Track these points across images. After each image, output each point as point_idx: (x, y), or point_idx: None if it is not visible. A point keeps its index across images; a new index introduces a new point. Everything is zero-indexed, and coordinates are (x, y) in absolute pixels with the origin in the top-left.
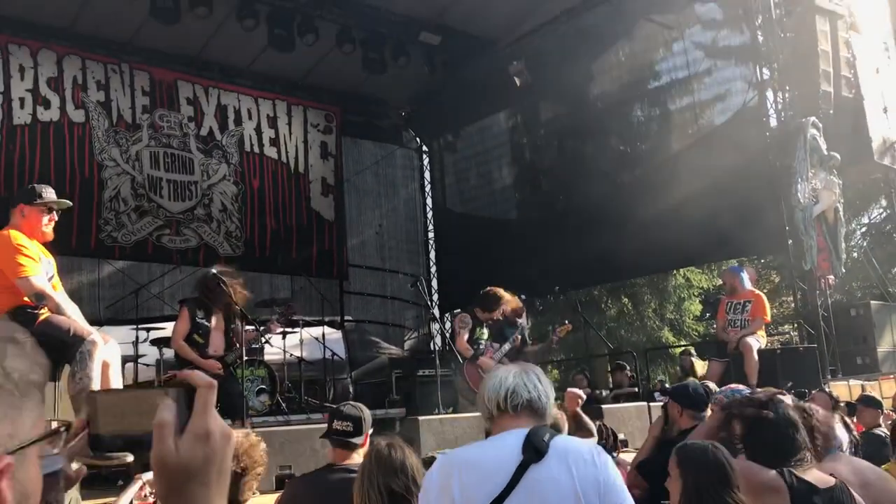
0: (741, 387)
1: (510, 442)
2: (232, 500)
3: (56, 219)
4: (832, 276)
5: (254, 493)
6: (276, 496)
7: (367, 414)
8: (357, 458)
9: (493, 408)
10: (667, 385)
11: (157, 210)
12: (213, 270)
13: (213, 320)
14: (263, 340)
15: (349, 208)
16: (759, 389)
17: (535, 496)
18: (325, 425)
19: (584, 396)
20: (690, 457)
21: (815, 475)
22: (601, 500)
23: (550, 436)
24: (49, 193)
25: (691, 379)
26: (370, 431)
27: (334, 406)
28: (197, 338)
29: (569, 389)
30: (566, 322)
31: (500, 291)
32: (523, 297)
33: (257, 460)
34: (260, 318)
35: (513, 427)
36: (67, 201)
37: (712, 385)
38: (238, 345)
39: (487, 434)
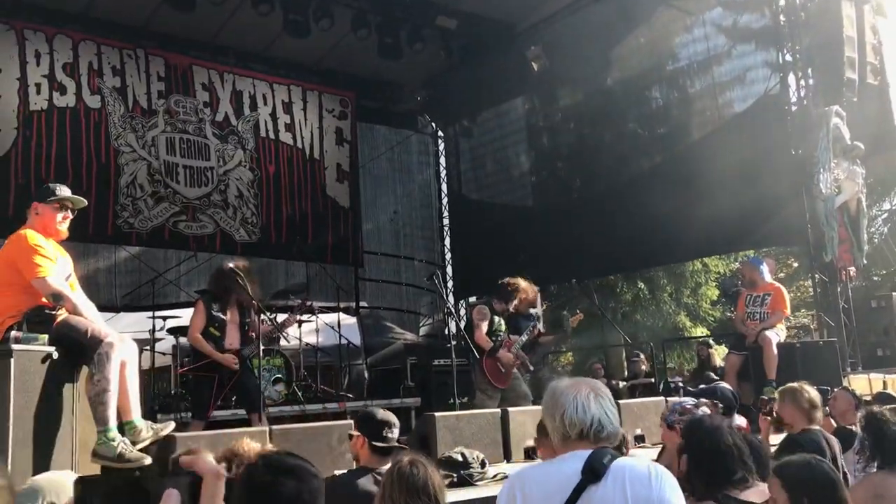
0: (687, 399)
1: (575, 464)
2: None
3: (70, 216)
4: (853, 268)
5: None
6: None
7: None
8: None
9: (573, 433)
10: (681, 384)
11: (173, 196)
12: (230, 265)
13: (229, 314)
14: (280, 336)
15: (364, 194)
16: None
17: None
18: (338, 415)
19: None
20: (798, 476)
21: (756, 492)
22: None
23: (612, 458)
24: (63, 191)
25: (720, 383)
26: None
27: (372, 413)
28: (213, 331)
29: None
30: (577, 311)
31: (518, 282)
32: (537, 287)
33: None
34: (275, 314)
35: (583, 448)
36: (82, 199)
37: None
38: (255, 337)
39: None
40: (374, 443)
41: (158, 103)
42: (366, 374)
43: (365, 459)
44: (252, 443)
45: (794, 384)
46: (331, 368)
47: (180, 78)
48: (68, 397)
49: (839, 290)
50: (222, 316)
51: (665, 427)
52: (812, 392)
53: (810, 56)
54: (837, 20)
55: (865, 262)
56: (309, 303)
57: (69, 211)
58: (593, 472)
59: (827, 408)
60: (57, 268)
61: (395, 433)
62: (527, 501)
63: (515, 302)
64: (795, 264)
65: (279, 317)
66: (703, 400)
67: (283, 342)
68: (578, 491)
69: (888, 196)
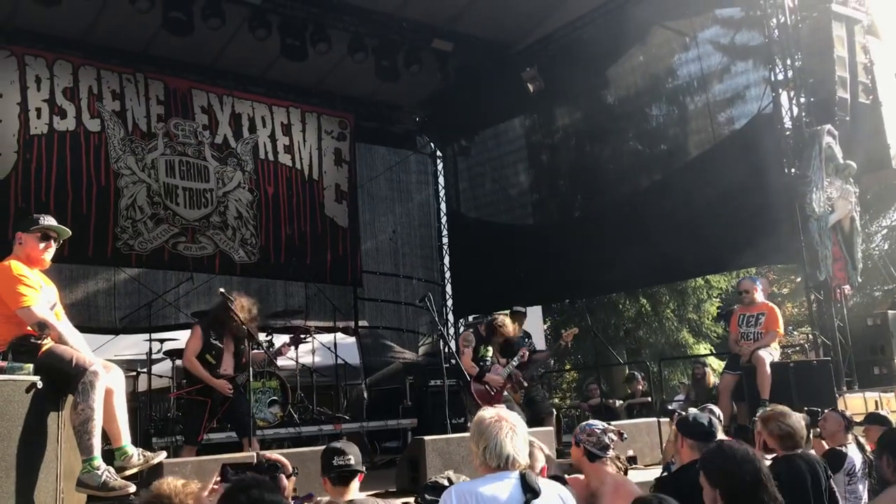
0: (595, 423)
1: (510, 482)
2: None
3: (54, 246)
4: (848, 286)
5: None
6: None
7: (357, 450)
8: (353, 489)
9: (492, 464)
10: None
11: (172, 218)
12: (222, 290)
13: (225, 341)
14: (275, 361)
15: (363, 214)
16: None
17: None
18: (334, 437)
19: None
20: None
21: None
22: None
23: (535, 477)
24: (47, 220)
25: (702, 410)
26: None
27: (324, 450)
28: (209, 358)
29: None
30: (572, 326)
31: (504, 328)
32: (521, 308)
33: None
34: (271, 337)
35: (502, 472)
36: (66, 229)
37: (717, 410)
38: (246, 362)
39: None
40: (326, 475)
41: (158, 126)
42: (365, 395)
43: (330, 494)
44: (175, 480)
45: (772, 410)
46: (329, 388)
47: (180, 101)
48: (53, 426)
49: (834, 308)
50: (219, 344)
51: (574, 444)
52: (790, 419)
53: (802, 75)
54: (828, 40)
55: (860, 280)
56: (305, 327)
57: (52, 241)
58: (533, 492)
59: (818, 429)
60: (42, 297)
61: (347, 458)
62: None
63: (498, 339)
64: (798, 279)
65: (276, 339)
66: (611, 426)
67: (280, 362)
68: None
69: (887, 212)
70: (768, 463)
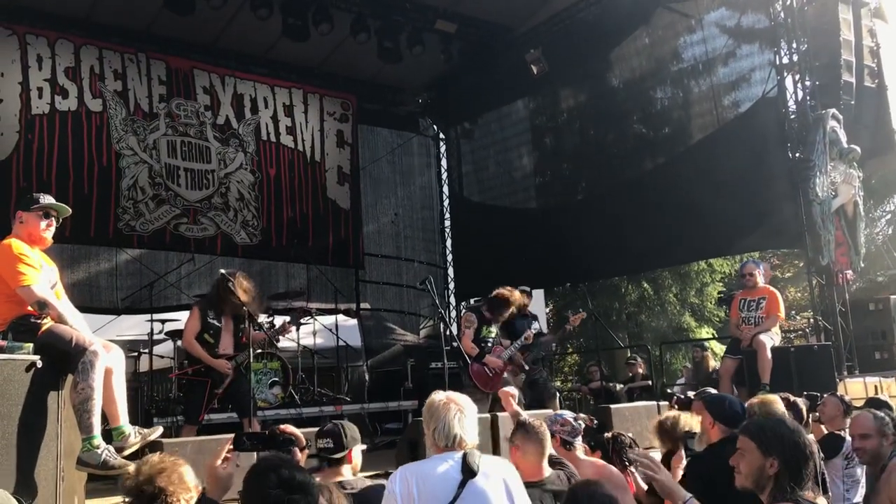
0: (567, 413)
1: (451, 463)
2: None
3: (55, 224)
4: (850, 271)
5: None
6: None
7: (350, 429)
8: (345, 472)
9: (441, 444)
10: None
11: (174, 199)
12: (223, 271)
13: (224, 320)
14: (276, 341)
15: (365, 197)
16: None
17: (480, 500)
18: (335, 418)
19: (516, 393)
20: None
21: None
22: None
23: (479, 458)
24: (47, 199)
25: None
26: (358, 447)
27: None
28: (208, 338)
29: (501, 390)
30: (580, 310)
31: (511, 296)
32: (526, 288)
33: (176, 483)
34: (272, 317)
35: (450, 451)
36: (66, 207)
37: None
38: (246, 344)
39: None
40: (314, 457)
41: (160, 107)
42: (366, 377)
43: (320, 476)
44: (155, 457)
45: (759, 398)
46: (331, 370)
47: (182, 81)
48: (53, 405)
49: (836, 293)
50: (217, 323)
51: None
52: (771, 406)
53: (808, 59)
54: (834, 23)
55: (863, 264)
56: (307, 308)
57: (53, 219)
58: (471, 472)
59: (817, 413)
60: (42, 276)
61: (327, 441)
62: (421, 493)
63: (506, 314)
64: (801, 264)
65: (277, 319)
66: (582, 415)
67: (282, 344)
68: (462, 486)
69: (891, 197)
70: None
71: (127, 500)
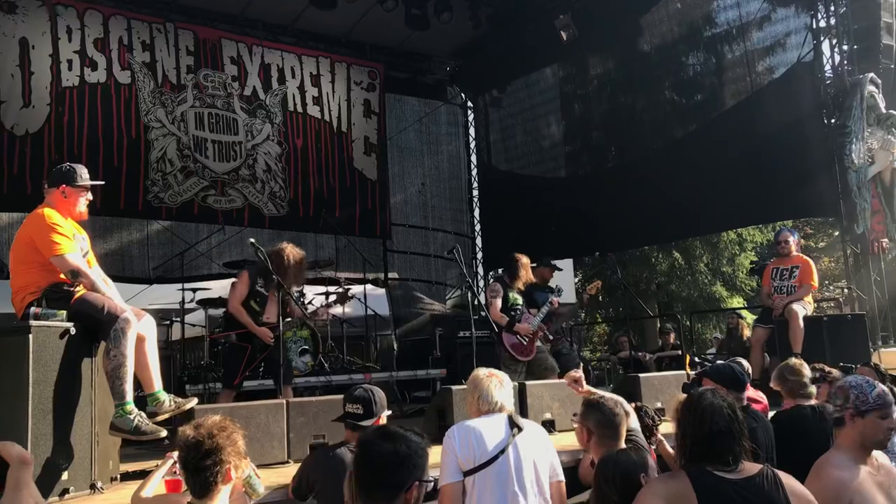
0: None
1: (500, 420)
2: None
3: (91, 199)
4: (886, 240)
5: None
6: None
7: (378, 396)
8: None
9: (484, 409)
10: (707, 361)
11: (202, 171)
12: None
13: (271, 290)
14: (312, 319)
15: (392, 166)
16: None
17: (525, 450)
18: None
19: (579, 376)
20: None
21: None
22: (551, 455)
23: (518, 417)
24: (87, 174)
25: (736, 360)
26: (384, 413)
27: (345, 395)
28: (254, 305)
29: (566, 376)
30: (595, 279)
31: (520, 258)
32: (552, 261)
33: (233, 445)
34: (310, 301)
35: (493, 413)
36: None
37: (746, 364)
38: (290, 313)
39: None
40: (341, 420)
41: (187, 78)
42: (395, 345)
43: (346, 437)
44: (212, 418)
45: (785, 363)
46: (360, 338)
47: (209, 52)
48: (86, 371)
49: (871, 262)
50: (265, 292)
51: None
52: (796, 370)
53: (846, 22)
54: None
55: None
56: (336, 277)
57: (89, 192)
58: (518, 427)
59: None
60: (75, 245)
61: (357, 407)
62: (479, 443)
63: (520, 275)
64: (836, 233)
65: (307, 290)
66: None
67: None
68: (512, 437)
69: None
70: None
71: (180, 453)
